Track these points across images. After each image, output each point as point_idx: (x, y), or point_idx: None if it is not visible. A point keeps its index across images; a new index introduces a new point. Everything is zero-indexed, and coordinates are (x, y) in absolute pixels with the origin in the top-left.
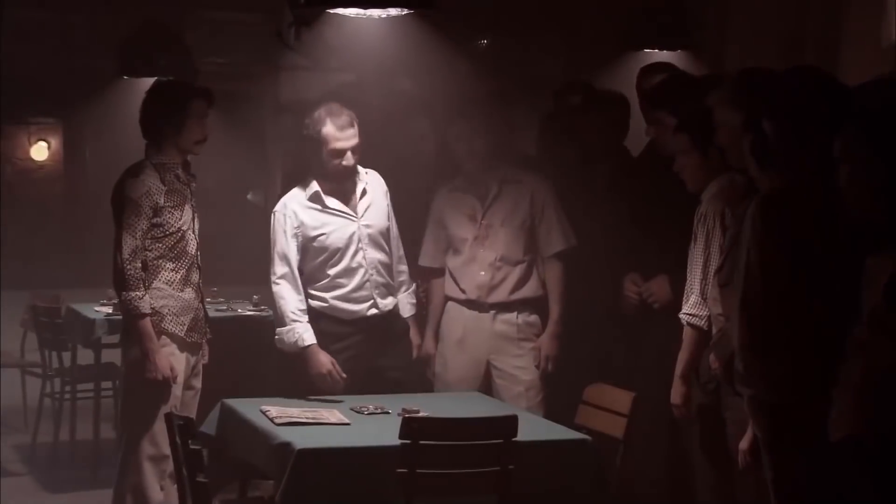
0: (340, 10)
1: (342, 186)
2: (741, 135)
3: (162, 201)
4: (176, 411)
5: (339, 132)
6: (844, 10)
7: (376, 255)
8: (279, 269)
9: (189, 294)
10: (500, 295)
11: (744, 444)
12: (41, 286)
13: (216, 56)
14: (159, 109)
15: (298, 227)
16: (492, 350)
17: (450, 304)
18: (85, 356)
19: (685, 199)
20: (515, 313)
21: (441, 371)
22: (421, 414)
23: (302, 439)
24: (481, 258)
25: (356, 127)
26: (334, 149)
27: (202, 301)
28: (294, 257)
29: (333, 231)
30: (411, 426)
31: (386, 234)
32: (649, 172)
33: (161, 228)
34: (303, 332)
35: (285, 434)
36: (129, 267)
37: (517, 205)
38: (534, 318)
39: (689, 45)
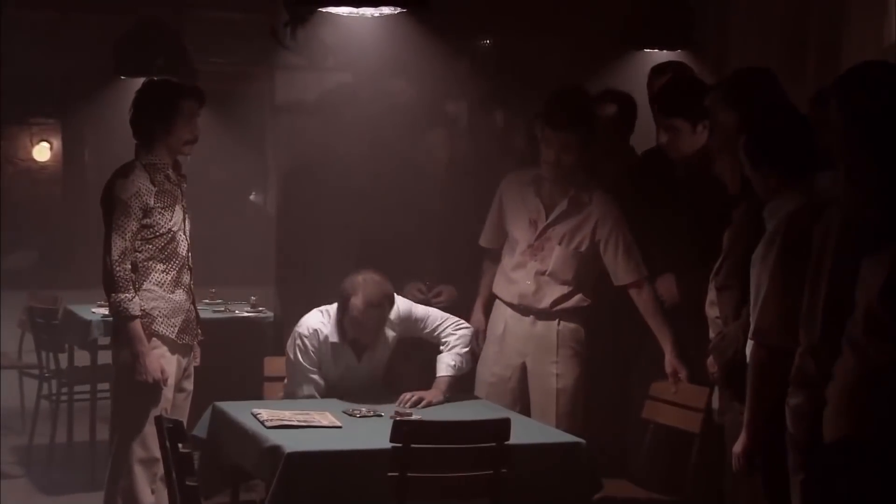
0: (332, 9)
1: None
2: (735, 135)
3: (152, 202)
4: (166, 414)
5: (362, 312)
6: (846, 10)
7: (368, 383)
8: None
9: (180, 296)
10: (542, 304)
11: (737, 447)
12: (40, 287)
13: (215, 56)
14: (149, 109)
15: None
16: (528, 353)
17: (496, 300)
18: (82, 357)
19: (697, 200)
20: (557, 320)
21: (480, 367)
22: (414, 417)
23: (292, 442)
24: (530, 267)
25: (385, 307)
26: (356, 318)
27: (194, 303)
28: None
29: (334, 371)
30: (402, 429)
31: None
32: (658, 173)
33: (151, 229)
34: None
35: (275, 437)
36: (118, 268)
37: (579, 228)
38: (575, 326)
39: (690, 45)
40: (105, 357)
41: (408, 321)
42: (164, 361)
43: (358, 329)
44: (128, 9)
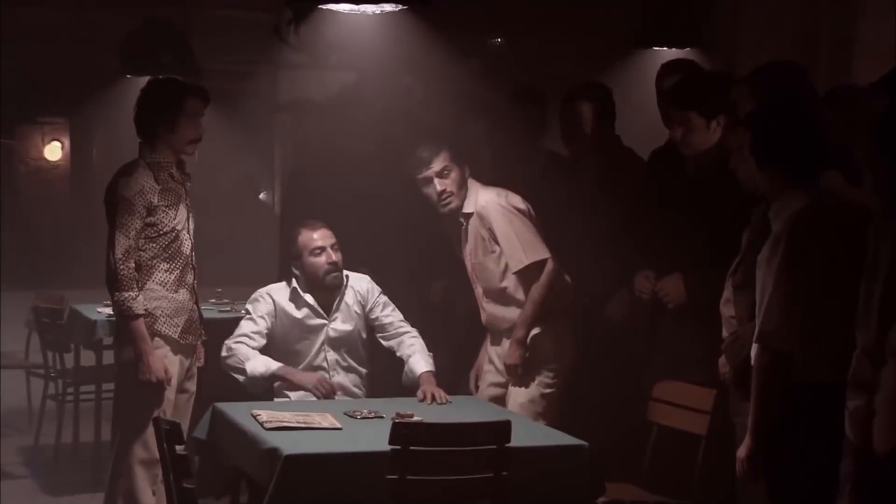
0: (333, 6)
1: (328, 294)
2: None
3: (156, 200)
4: (164, 415)
5: (314, 232)
6: (858, 6)
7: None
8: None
9: (183, 295)
10: (504, 324)
11: (741, 452)
12: (48, 286)
13: (220, 55)
14: (153, 108)
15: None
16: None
17: None
18: (88, 357)
19: (708, 198)
20: None
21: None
22: (414, 419)
23: (290, 444)
24: (478, 296)
25: (330, 231)
26: (315, 247)
27: (197, 302)
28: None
29: (306, 333)
30: (401, 431)
31: (356, 335)
32: (667, 171)
33: (155, 228)
34: (268, 362)
35: (274, 439)
36: (122, 267)
37: (476, 235)
38: (539, 331)
39: (699, 43)
40: (110, 357)
41: (370, 296)
42: (166, 361)
43: (327, 261)
44: (135, 8)
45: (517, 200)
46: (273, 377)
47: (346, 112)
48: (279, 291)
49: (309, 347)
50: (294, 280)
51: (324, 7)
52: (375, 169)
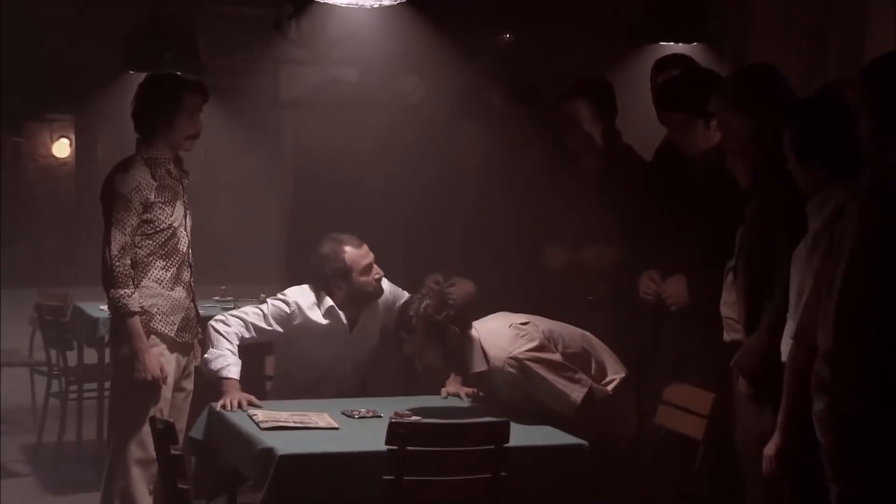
0: (331, 0)
1: (357, 307)
2: (756, 136)
3: (152, 197)
4: (160, 415)
5: (358, 250)
6: (868, 2)
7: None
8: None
9: (179, 293)
10: None
11: (769, 449)
12: (54, 283)
13: (223, 51)
14: (151, 103)
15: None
16: None
17: None
18: (92, 355)
19: (712, 197)
20: None
21: None
22: (412, 419)
23: (285, 445)
24: None
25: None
26: (365, 265)
27: (194, 300)
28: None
29: (328, 348)
30: (398, 431)
31: (373, 345)
32: (670, 170)
33: (151, 225)
34: (230, 367)
35: (269, 439)
36: (117, 264)
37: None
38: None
39: (707, 39)
40: None
41: (390, 295)
42: (162, 360)
43: (374, 277)
44: (139, 5)
45: (527, 334)
46: (218, 380)
47: (349, 108)
48: (307, 303)
49: (332, 360)
50: (329, 297)
51: (322, 1)
52: (381, 165)
